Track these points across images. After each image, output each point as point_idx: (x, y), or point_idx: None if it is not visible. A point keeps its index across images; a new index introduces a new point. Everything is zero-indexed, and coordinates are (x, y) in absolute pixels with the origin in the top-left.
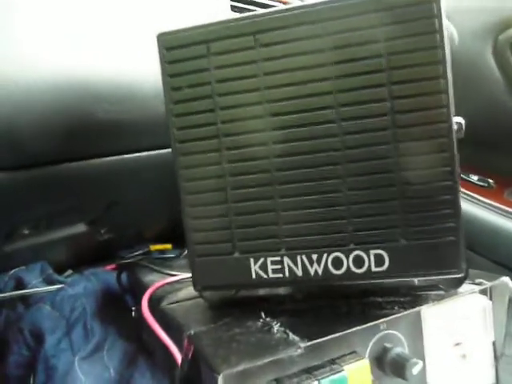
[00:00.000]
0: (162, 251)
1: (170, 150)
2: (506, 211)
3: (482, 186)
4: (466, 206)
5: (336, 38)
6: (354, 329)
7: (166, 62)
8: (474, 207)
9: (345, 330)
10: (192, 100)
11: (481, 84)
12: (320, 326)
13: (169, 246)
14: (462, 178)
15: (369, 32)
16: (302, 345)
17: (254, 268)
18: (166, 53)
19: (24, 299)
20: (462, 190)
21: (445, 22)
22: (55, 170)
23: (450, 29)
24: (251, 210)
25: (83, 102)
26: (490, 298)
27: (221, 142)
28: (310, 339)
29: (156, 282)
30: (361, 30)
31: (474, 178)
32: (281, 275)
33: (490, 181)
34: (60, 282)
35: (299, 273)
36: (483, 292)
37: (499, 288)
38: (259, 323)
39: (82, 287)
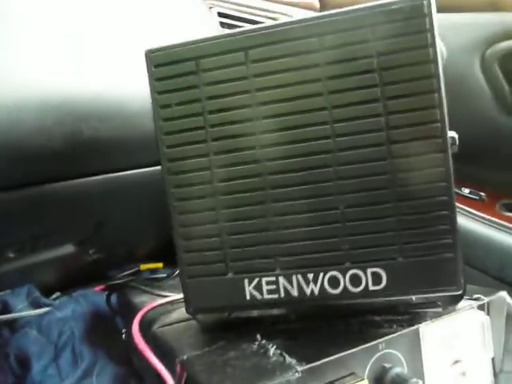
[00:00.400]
0: (153, 270)
1: (158, 167)
2: (499, 224)
3: (473, 199)
4: (458, 220)
5: (328, 53)
6: (353, 350)
7: (154, 78)
8: (467, 220)
9: (343, 351)
10: (182, 117)
11: (469, 98)
12: (317, 348)
13: (160, 264)
14: None
15: (361, 47)
16: (300, 368)
17: (249, 289)
18: (155, 70)
19: (10, 324)
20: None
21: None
22: (40, 190)
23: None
24: (244, 229)
25: (69, 120)
26: (488, 314)
27: (212, 160)
28: (308, 362)
29: (147, 303)
30: (352, 45)
31: (466, 191)
32: (276, 296)
33: (482, 194)
34: (47, 305)
35: (295, 293)
36: (481, 308)
37: (497, 303)
38: (254, 346)
39: (71, 310)
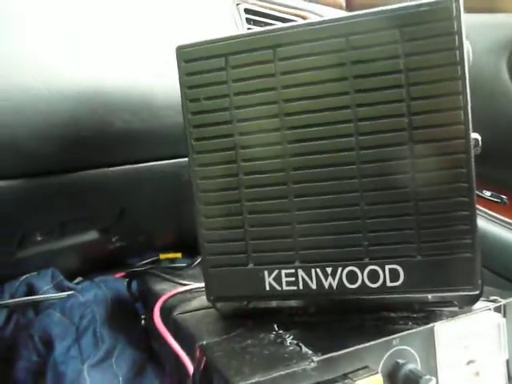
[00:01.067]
0: (172, 260)
1: (180, 159)
2: None
3: (495, 201)
4: (479, 222)
5: (355, 53)
6: (367, 344)
7: (184, 73)
8: (488, 223)
9: (358, 344)
10: (210, 112)
11: (495, 100)
12: (333, 340)
13: (179, 254)
14: None
15: (388, 48)
16: (315, 358)
17: (268, 280)
18: (185, 65)
19: (35, 305)
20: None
21: (464, 38)
22: (68, 178)
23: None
24: (266, 221)
25: (100, 111)
26: (504, 316)
27: (237, 154)
28: (323, 353)
29: (167, 291)
30: (380, 46)
31: (487, 193)
32: (295, 288)
33: (504, 197)
34: (70, 289)
35: (313, 286)
36: (497, 310)
37: None
38: (272, 335)
39: (93, 294)
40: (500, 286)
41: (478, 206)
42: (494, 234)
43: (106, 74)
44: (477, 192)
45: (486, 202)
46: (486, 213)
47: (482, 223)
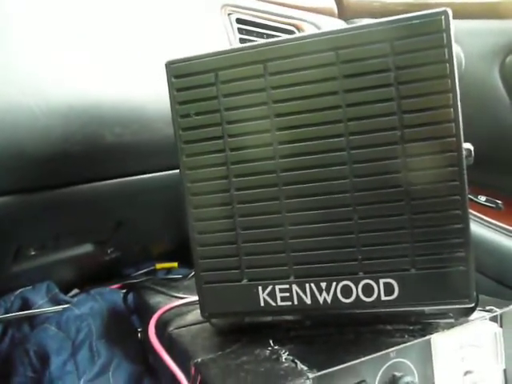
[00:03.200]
0: (168, 269)
1: (173, 171)
2: None
3: (490, 207)
4: (474, 228)
5: (345, 67)
6: (364, 358)
7: (174, 89)
8: (483, 228)
9: (354, 359)
10: (200, 127)
11: (488, 105)
12: (329, 355)
13: (175, 264)
14: (470, 198)
15: (378, 61)
16: (311, 375)
17: (263, 295)
18: (175, 80)
19: (30, 319)
20: (471, 211)
21: (454, 46)
22: (61, 193)
23: (458, 53)
24: (260, 237)
25: (92, 126)
26: (501, 326)
27: (229, 170)
28: (319, 369)
29: (163, 304)
30: (370, 59)
31: (482, 198)
32: (289, 303)
33: (499, 202)
34: (66, 302)
35: (308, 301)
36: (494, 319)
37: (510, 315)
38: (267, 351)
39: (89, 307)
40: (496, 291)
41: (472, 212)
42: (489, 239)
43: (96, 87)
44: (472, 197)
45: (481, 208)
46: (481, 218)
47: (477, 229)
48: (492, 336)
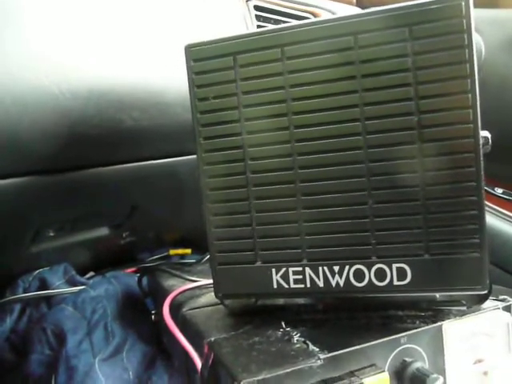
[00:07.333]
0: (182, 255)
1: (189, 157)
2: None
3: (506, 199)
4: (490, 220)
5: (363, 52)
6: (374, 342)
7: (193, 72)
8: (499, 221)
9: (365, 342)
10: (218, 110)
11: (507, 95)
12: (340, 338)
13: (188, 250)
14: (486, 191)
15: (396, 46)
16: (322, 356)
17: (276, 278)
18: (194, 64)
19: (47, 299)
20: (487, 203)
21: (474, 35)
22: (78, 176)
23: (478, 42)
24: (274, 220)
25: (110, 110)
26: None
27: (245, 153)
28: (330, 351)
29: (176, 287)
30: (388, 44)
31: (499, 191)
32: (302, 286)
33: None
34: (82, 284)
35: (321, 284)
36: (507, 309)
37: None
38: (279, 333)
39: (104, 289)
40: (509, 284)
41: (489, 204)
42: (506, 232)
43: (115, 71)
44: (488, 189)
45: (498, 200)
46: (498, 210)
47: (493, 221)
48: (504, 325)
